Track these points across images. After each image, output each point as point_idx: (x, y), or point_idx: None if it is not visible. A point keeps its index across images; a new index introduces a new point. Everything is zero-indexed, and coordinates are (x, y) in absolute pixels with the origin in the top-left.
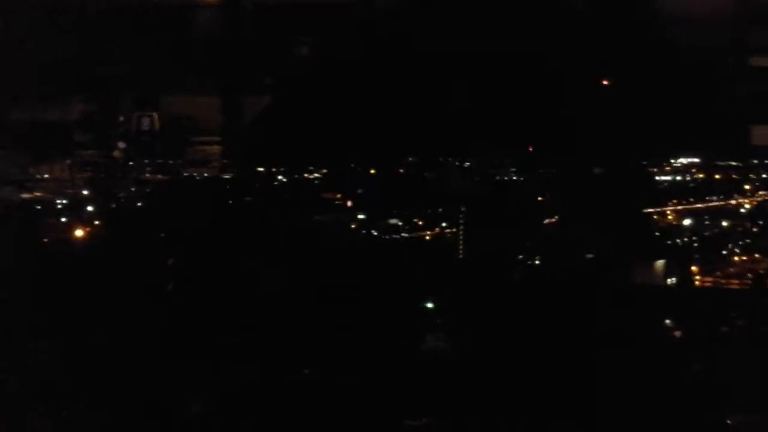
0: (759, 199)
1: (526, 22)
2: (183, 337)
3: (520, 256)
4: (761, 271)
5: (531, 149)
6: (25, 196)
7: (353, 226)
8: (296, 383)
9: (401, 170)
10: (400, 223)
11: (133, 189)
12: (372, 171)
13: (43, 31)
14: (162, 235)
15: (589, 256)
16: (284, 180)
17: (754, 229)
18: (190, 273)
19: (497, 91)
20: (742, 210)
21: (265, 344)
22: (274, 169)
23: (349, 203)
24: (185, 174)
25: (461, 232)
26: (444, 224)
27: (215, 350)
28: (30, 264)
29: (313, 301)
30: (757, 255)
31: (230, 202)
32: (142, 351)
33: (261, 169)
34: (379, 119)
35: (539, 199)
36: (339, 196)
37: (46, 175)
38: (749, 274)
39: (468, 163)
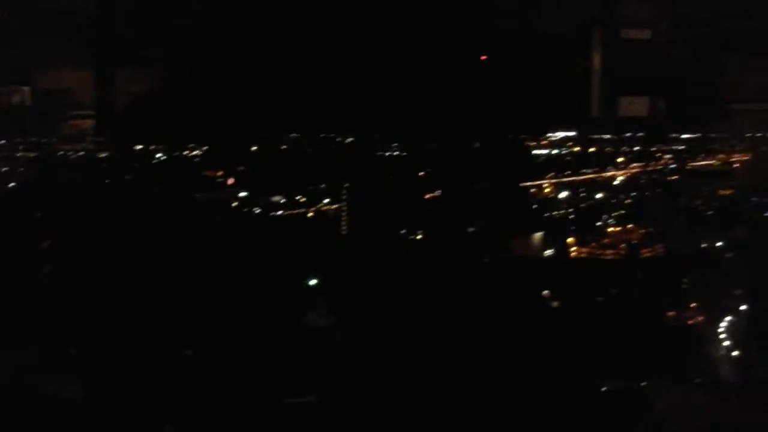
0: (631, 171)
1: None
2: (62, 320)
3: (403, 231)
4: (634, 241)
5: (413, 125)
6: None
7: (235, 204)
8: (179, 364)
9: (283, 147)
10: (282, 200)
11: (4, 168)
12: (254, 148)
13: None
14: (38, 215)
15: (470, 229)
16: (163, 157)
17: (627, 201)
18: (68, 254)
19: (377, 68)
20: (616, 182)
21: (146, 324)
22: (152, 147)
23: (230, 180)
24: (60, 152)
25: (344, 209)
26: (326, 200)
27: (95, 332)
28: None
29: (196, 280)
30: (630, 226)
31: (108, 181)
32: (18, 334)
33: (139, 146)
34: (260, 95)
35: (420, 174)
36: (220, 173)
37: None
38: (623, 244)
39: (350, 140)
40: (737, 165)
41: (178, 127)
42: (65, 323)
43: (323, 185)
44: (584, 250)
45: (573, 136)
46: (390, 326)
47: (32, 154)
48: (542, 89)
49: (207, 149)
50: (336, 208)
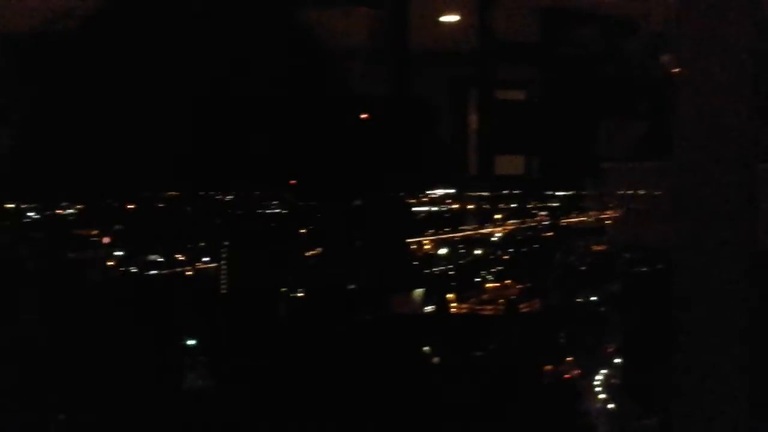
0: (508, 227)
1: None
2: None
3: (284, 290)
4: (512, 297)
5: (293, 182)
6: None
7: (111, 263)
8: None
9: (161, 205)
10: (160, 259)
11: None
12: (130, 206)
13: None
14: None
15: (351, 287)
16: (36, 216)
17: (505, 257)
18: None
19: (255, 126)
20: (494, 238)
21: (20, 396)
22: (24, 205)
23: (106, 239)
24: None
25: (223, 267)
26: (206, 259)
27: None
28: None
29: (68, 341)
30: (507, 282)
31: None
32: None
33: (10, 205)
34: (135, 151)
35: (301, 231)
36: (95, 232)
37: None
38: (501, 300)
39: (230, 197)
40: (609, 222)
41: (51, 186)
42: None
43: (202, 243)
44: (464, 306)
45: (452, 193)
46: (270, 385)
47: None
48: (421, 148)
49: (81, 208)
50: (215, 267)
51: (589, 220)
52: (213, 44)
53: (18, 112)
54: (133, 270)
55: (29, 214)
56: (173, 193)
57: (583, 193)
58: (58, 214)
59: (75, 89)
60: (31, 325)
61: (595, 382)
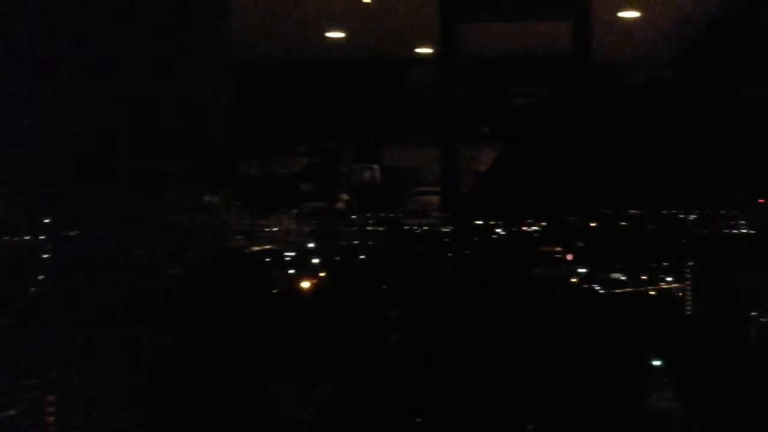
0: None
1: None
2: (405, 392)
3: (754, 313)
4: None
5: (761, 201)
6: (256, 247)
7: (574, 280)
8: None
9: (623, 223)
10: (623, 278)
11: (356, 241)
12: (592, 224)
13: (268, 88)
14: (384, 287)
15: None
16: (502, 233)
17: None
18: (412, 325)
19: (724, 141)
20: None
21: (489, 401)
22: (492, 222)
23: (569, 256)
24: (405, 226)
25: (689, 287)
26: (669, 279)
27: (439, 408)
28: (263, 314)
29: (537, 357)
30: None
31: (449, 254)
32: (367, 403)
33: (479, 221)
34: (598, 172)
35: None
36: (559, 249)
37: (275, 228)
38: None
39: (694, 216)
40: None
41: (518, 204)
42: (410, 388)
43: (666, 263)
44: None
45: None
46: (738, 409)
47: (380, 228)
48: None
49: (545, 225)
50: (679, 287)
51: None
52: None
53: (494, 134)
54: (596, 287)
55: (497, 230)
56: (635, 211)
57: None
58: (524, 230)
59: (545, 110)
60: (496, 337)
61: None
